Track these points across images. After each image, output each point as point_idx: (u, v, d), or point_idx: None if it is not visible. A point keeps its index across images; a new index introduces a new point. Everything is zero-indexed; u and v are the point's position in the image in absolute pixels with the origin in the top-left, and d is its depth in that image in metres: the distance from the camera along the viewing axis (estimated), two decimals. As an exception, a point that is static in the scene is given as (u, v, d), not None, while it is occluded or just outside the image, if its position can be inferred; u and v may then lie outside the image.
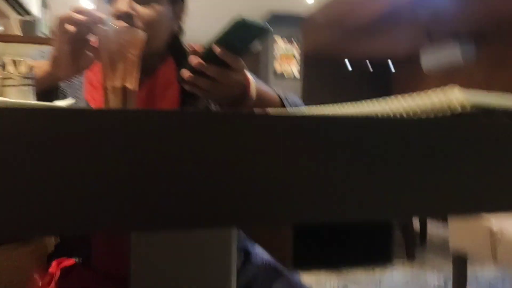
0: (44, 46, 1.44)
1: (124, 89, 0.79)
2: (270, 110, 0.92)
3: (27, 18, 5.00)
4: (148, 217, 0.24)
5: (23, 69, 0.52)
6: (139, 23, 0.90)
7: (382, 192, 0.27)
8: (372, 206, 0.27)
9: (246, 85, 0.87)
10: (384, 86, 10.00)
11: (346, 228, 0.32)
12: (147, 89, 0.97)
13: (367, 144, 0.27)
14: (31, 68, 0.53)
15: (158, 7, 0.93)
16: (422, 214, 0.30)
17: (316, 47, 8.00)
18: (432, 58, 7.64)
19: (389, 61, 9.44)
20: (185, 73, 0.80)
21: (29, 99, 0.52)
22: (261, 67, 7.28)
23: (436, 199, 0.29)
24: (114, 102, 0.78)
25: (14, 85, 0.51)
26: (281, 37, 6.76)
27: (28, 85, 0.52)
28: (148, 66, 0.94)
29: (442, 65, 7.54)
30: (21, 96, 0.51)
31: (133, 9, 0.90)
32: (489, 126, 0.30)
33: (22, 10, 4.71)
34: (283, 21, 6.70)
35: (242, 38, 0.78)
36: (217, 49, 0.76)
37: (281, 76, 6.73)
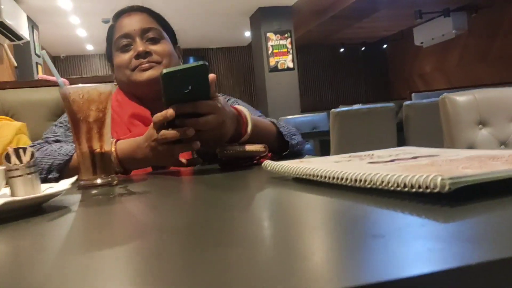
0: (40, 89, 1.46)
1: (93, 153, 0.74)
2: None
3: (19, 42, 5.04)
4: None
5: (26, 158, 0.55)
6: (156, 57, 1.07)
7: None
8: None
9: (241, 121, 0.88)
10: (378, 62, 10.02)
11: None
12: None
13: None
14: (33, 154, 0.56)
15: (166, 42, 1.11)
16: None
17: (306, 35, 7.98)
18: (424, 33, 7.63)
19: (381, 39, 9.41)
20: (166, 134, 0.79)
21: (34, 187, 0.55)
22: (256, 65, 7.29)
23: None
24: (84, 168, 0.74)
25: (19, 176, 0.54)
26: (273, 32, 6.76)
27: (32, 173, 0.55)
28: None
29: (435, 39, 7.52)
30: (27, 185, 0.54)
31: (148, 48, 1.07)
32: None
33: (13, 35, 4.73)
34: (272, 14, 6.70)
35: (185, 84, 0.76)
36: (169, 111, 0.76)
37: (276, 69, 6.74)
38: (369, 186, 0.44)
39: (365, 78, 10.18)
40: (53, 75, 0.80)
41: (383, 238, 0.28)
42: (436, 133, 2.75)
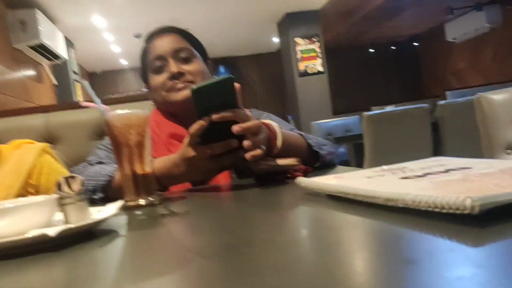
0: (80, 110, 1.53)
1: (135, 175, 0.78)
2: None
3: (57, 61, 5.25)
4: None
5: (76, 186, 0.59)
6: (189, 77, 1.10)
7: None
8: None
9: (271, 135, 0.90)
10: (409, 61, 9.82)
11: None
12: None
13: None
14: (83, 183, 0.60)
15: (198, 61, 1.14)
16: None
17: (335, 38, 7.93)
18: (456, 29, 7.45)
19: (411, 37, 9.23)
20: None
21: (85, 213, 0.59)
22: (285, 71, 7.30)
23: None
24: (128, 190, 0.78)
25: (71, 203, 0.58)
26: (301, 37, 6.76)
27: (83, 200, 0.59)
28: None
29: (467, 34, 7.33)
30: (79, 212, 0.58)
31: (181, 68, 1.11)
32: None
33: (52, 55, 4.93)
34: (300, 19, 6.70)
35: (214, 97, 0.80)
36: (204, 119, 0.80)
37: (305, 73, 6.73)
38: (400, 205, 0.45)
39: (396, 77, 10.01)
40: (93, 102, 0.85)
41: (414, 264, 0.30)
42: (472, 133, 2.69)
